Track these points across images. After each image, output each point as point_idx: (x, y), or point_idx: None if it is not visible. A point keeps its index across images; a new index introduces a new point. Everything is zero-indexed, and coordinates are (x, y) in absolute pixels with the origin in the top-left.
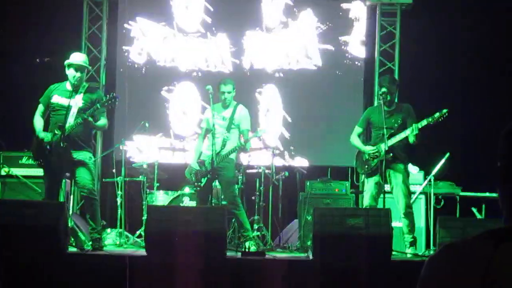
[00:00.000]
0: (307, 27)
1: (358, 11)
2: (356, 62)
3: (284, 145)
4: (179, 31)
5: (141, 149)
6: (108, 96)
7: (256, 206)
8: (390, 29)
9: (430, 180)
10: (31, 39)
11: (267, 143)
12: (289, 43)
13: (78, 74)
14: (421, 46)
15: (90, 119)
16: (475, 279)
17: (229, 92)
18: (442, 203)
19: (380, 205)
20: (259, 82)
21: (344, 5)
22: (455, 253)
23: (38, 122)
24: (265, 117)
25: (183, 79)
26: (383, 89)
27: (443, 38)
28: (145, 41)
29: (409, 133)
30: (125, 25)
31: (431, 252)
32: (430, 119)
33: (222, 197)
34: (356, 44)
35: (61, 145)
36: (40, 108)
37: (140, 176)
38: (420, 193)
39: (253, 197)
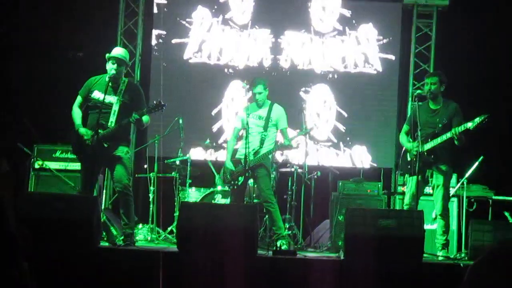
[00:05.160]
0: (367, 37)
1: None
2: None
3: (338, 137)
4: (228, 24)
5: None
6: (154, 103)
7: (288, 205)
8: (426, 31)
9: (463, 183)
10: (66, 34)
11: (317, 138)
12: (345, 48)
13: (115, 67)
14: (456, 48)
15: (140, 118)
16: None
17: (260, 93)
18: (475, 206)
19: (419, 205)
20: (305, 81)
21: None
22: (502, 258)
23: (77, 114)
24: (310, 115)
25: (234, 77)
26: (431, 80)
27: (479, 41)
28: (196, 33)
29: (450, 136)
30: (178, 19)
31: (463, 255)
32: (470, 124)
33: (254, 195)
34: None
35: (104, 145)
36: (79, 99)
37: (173, 172)
38: (453, 195)
39: (285, 196)
